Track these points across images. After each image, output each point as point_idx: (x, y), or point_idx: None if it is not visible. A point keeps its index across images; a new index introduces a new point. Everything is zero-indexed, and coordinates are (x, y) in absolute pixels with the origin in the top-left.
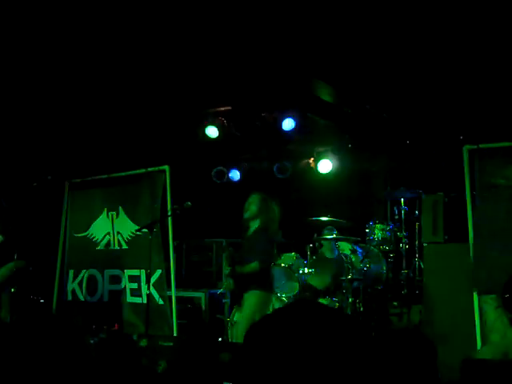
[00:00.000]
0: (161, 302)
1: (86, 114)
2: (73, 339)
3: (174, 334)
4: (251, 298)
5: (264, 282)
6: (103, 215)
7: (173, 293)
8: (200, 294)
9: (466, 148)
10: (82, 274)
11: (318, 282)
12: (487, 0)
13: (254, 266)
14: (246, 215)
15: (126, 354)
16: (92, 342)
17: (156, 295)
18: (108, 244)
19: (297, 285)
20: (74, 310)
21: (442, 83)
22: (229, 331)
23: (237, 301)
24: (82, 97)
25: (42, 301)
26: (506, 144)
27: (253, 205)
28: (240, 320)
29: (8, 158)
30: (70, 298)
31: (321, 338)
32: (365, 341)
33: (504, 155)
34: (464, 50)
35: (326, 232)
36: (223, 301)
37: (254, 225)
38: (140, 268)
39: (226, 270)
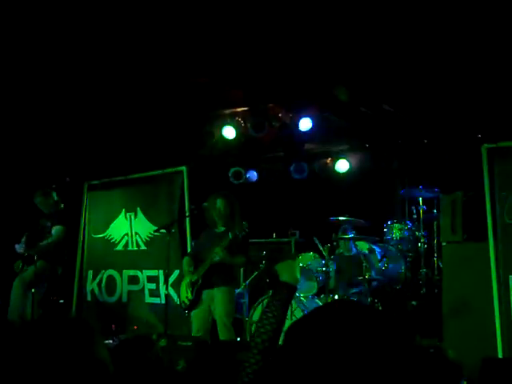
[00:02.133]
0: (179, 302)
1: (104, 116)
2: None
3: (193, 334)
4: (222, 296)
5: (232, 278)
6: (121, 216)
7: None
8: None
9: (484, 147)
10: (100, 275)
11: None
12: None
13: (242, 260)
14: (217, 216)
15: (146, 355)
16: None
17: (174, 295)
18: (126, 245)
19: (315, 285)
20: (93, 310)
21: (460, 81)
22: (247, 331)
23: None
24: (100, 99)
25: (61, 301)
26: None
27: (222, 207)
28: (218, 320)
29: (27, 160)
30: (89, 298)
31: (361, 337)
32: (401, 340)
33: None
34: (482, 47)
35: (343, 232)
36: (241, 300)
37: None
38: (158, 268)
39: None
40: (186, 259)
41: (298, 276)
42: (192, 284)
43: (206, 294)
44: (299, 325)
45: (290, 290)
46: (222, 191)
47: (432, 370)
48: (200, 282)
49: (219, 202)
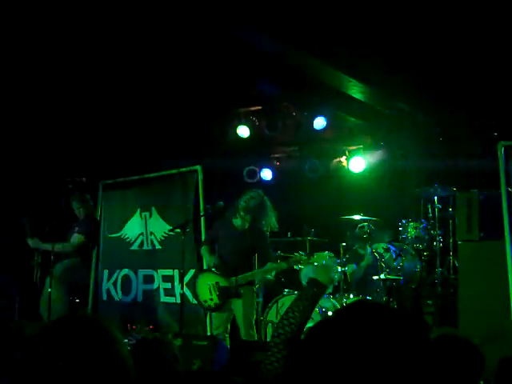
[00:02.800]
0: (194, 301)
1: (120, 115)
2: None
3: (208, 334)
4: (248, 296)
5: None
6: (136, 216)
7: None
8: None
9: (500, 144)
10: (116, 274)
11: (323, 277)
12: None
13: (273, 265)
14: (245, 210)
15: (162, 355)
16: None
17: (189, 295)
18: (141, 244)
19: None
20: (108, 309)
21: (475, 79)
22: (262, 330)
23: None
24: (115, 99)
25: (77, 300)
26: None
27: (252, 200)
28: (242, 320)
29: (43, 160)
30: (105, 297)
31: (384, 338)
32: (424, 342)
33: None
34: (496, 45)
35: (359, 230)
36: (256, 300)
37: (249, 220)
38: (173, 268)
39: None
40: (204, 249)
41: (334, 278)
42: (223, 290)
43: None
44: (321, 327)
45: (320, 288)
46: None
47: (455, 358)
48: (234, 292)
49: (248, 195)
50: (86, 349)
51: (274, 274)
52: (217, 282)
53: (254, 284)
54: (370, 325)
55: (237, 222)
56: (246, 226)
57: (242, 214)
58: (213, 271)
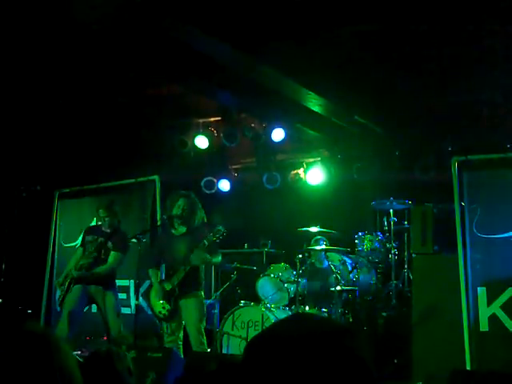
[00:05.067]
0: (149, 312)
1: (76, 123)
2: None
3: (164, 345)
4: (196, 302)
5: (201, 282)
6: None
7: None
8: None
9: (454, 159)
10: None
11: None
12: None
13: (219, 259)
14: (183, 214)
15: (115, 367)
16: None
17: (145, 305)
18: None
19: (286, 295)
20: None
21: (431, 95)
22: (218, 341)
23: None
24: (70, 107)
25: (29, 311)
26: (495, 156)
27: (185, 206)
28: (191, 327)
29: None
30: (58, 308)
31: (319, 352)
32: (360, 357)
33: (492, 167)
34: (450, 64)
35: (315, 243)
36: (212, 311)
37: (185, 225)
38: (129, 278)
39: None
40: (152, 271)
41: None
42: (168, 294)
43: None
44: (260, 339)
45: None
46: (182, 191)
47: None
48: (177, 291)
49: (182, 202)
50: (27, 359)
51: (219, 258)
52: (163, 289)
53: (201, 289)
54: (301, 339)
55: (175, 231)
56: (184, 231)
57: (176, 224)
58: (159, 282)
